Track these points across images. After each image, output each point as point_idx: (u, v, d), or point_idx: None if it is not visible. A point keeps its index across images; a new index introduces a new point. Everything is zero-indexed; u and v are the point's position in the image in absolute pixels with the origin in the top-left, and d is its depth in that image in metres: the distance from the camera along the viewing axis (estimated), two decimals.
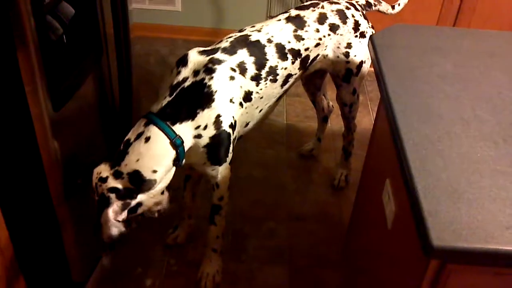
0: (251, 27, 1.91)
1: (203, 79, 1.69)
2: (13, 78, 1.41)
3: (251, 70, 1.79)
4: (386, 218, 1.42)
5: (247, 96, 1.80)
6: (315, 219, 2.39)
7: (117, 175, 1.60)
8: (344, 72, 2.12)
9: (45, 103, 1.47)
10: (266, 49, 1.83)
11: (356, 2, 2.16)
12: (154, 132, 1.62)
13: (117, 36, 1.83)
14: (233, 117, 1.74)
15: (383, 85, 1.47)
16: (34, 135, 1.50)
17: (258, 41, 1.83)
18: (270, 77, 1.85)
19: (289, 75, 1.92)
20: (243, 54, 1.79)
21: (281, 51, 1.86)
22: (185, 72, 1.71)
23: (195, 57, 1.73)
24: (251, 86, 1.80)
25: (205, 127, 1.68)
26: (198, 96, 1.68)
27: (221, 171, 1.83)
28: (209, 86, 1.68)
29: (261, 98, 1.86)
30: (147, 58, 3.39)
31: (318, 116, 2.64)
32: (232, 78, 1.73)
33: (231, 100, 1.73)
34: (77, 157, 1.74)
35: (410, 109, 1.37)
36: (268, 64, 1.83)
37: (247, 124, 1.89)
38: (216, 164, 1.79)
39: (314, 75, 2.23)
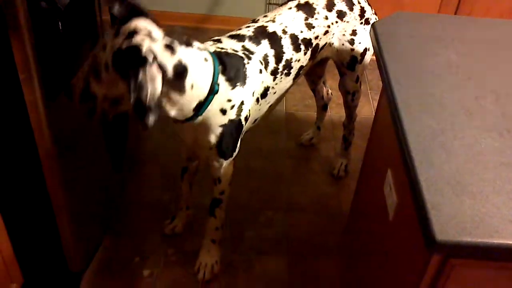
0: (264, 16, 1.86)
1: (243, 58, 1.66)
2: (7, 65, 1.38)
3: (272, 64, 1.76)
4: (388, 210, 1.40)
5: (265, 92, 1.77)
6: (313, 209, 2.37)
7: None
8: (349, 60, 2.09)
9: (40, 92, 1.44)
10: (283, 41, 1.79)
11: None
12: (208, 59, 1.55)
13: (114, 23, 1.79)
14: (249, 110, 1.71)
15: (385, 75, 1.44)
16: (29, 124, 1.48)
17: (275, 32, 1.79)
18: (285, 71, 1.81)
19: (301, 67, 1.89)
20: (266, 46, 1.75)
21: (295, 42, 1.82)
22: (223, 46, 1.68)
23: (228, 40, 1.72)
24: (269, 81, 1.77)
25: (232, 107, 1.64)
26: (240, 69, 1.64)
27: (225, 165, 1.80)
28: (246, 68, 1.66)
29: (275, 93, 1.83)
30: None
31: (318, 105, 2.61)
32: (260, 71, 1.71)
33: (253, 94, 1.70)
34: (73, 146, 1.71)
35: (412, 99, 1.34)
36: (285, 57, 1.79)
37: (255, 121, 1.85)
38: (222, 157, 1.76)
39: (316, 63, 2.20)
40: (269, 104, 1.85)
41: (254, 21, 1.86)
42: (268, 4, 3.38)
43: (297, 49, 1.83)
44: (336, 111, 2.85)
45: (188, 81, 1.50)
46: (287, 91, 1.94)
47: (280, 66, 1.79)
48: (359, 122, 2.48)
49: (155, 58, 1.35)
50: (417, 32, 1.64)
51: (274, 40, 1.78)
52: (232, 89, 1.63)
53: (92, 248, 2.05)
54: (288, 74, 1.84)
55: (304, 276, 2.09)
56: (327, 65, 2.40)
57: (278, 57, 1.78)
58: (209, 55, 1.58)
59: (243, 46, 1.70)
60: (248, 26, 1.81)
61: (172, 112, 1.55)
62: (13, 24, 1.32)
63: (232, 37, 1.75)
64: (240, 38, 1.74)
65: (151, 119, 1.35)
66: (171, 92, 1.48)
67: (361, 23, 2.03)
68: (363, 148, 1.94)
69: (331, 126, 2.82)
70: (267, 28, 1.79)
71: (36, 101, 1.44)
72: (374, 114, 1.84)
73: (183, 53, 1.47)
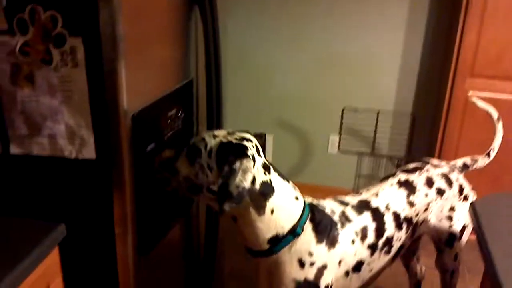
0: (366, 190, 1.85)
1: (337, 223, 1.62)
2: (105, 218, 1.44)
3: (370, 237, 1.69)
4: None
5: (358, 266, 1.67)
6: None
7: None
8: (447, 236, 1.99)
9: (132, 246, 1.47)
10: (385, 217, 1.74)
11: (454, 164, 2.10)
12: (300, 199, 1.57)
13: None
14: (332, 279, 1.61)
15: (489, 257, 1.34)
16: (116, 276, 1.49)
17: (378, 208, 1.75)
18: (385, 248, 1.74)
19: (401, 247, 1.82)
20: (367, 218, 1.70)
21: (397, 220, 1.77)
22: (322, 203, 1.67)
23: (330, 201, 1.71)
24: (364, 255, 1.68)
25: (312, 264, 1.56)
26: (332, 229, 1.59)
27: None
28: (338, 233, 1.60)
29: (371, 270, 1.74)
30: None
31: (410, 282, 2.45)
32: (353, 242, 1.64)
33: (339, 262, 1.62)
34: None
35: None
36: (386, 234, 1.73)
37: None
38: None
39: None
40: (362, 281, 1.74)
41: (357, 193, 1.85)
42: (357, 176, 3.41)
43: (399, 227, 1.77)
44: None
45: (270, 204, 1.48)
46: (383, 269, 1.84)
47: (380, 243, 1.71)
48: None
49: (254, 160, 1.43)
50: None
51: (377, 214, 1.73)
52: (317, 243, 1.56)
53: None
54: (387, 252, 1.75)
55: None
56: (421, 240, 2.30)
57: (379, 232, 1.71)
58: (301, 198, 1.58)
59: (342, 212, 1.67)
60: (353, 196, 1.79)
61: (246, 232, 1.52)
62: (117, 180, 1.40)
63: (335, 199, 1.73)
64: (342, 203, 1.72)
65: (228, 205, 1.39)
66: (250, 208, 1.47)
67: (460, 199, 1.97)
68: None
69: None
70: (370, 202, 1.76)
71: (127, 256, 1.47)
72: None
73: (276, 179, 1.51)
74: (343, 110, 3.23)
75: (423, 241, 2.27)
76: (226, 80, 1.91)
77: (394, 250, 1.78)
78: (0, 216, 1.39)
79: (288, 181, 1.57)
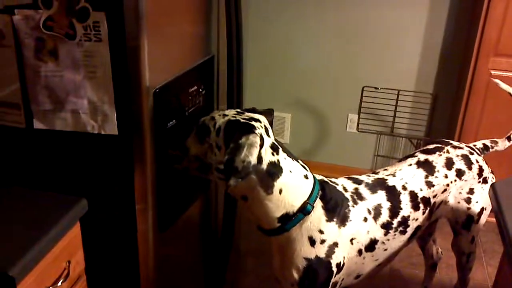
0: (384, 170, 1.84)
1: (348, 200, 1.62)
2: (127, 194, 1.46)
3: (384, 216, 1.68)
4: None
5: (371, 245, 1.67)
6: None
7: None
8: (464, 219, 1.98)
9: (152, 222, 1.48)
10: (401, 197, 1.73)
11: (474, 145, 2.08)
12: (310, 178, 1.57)
13: None
14: (344, 257, 1.60)
15: (508, 239, 1.33)
16: (136, 252, 1.51)
17: (394, 186, 1.74)
18: (401, 228, 1.72)
19: (418, 227, 1.80)
20: (381, 197, 1.70)
21: (415, 200, 1.76)
22: (335, 181, 1.68)
23: (344, 179, 1.71)
24: (378, 234, 1.67)
25: (322, 241, 1.55)
26: (342, 206, 1.59)
27: None
28: (349, 210, 1.60)
29: (385, 250, 1.73)
30: None
31: (426, 263, 2.44)
32: (365, 219, 1.64)
33: (351, 240, 1.62)
34: (172, 276, 1.71)
35: None
36: (401, 214, 1.71)
37: (358, 276, 1.73)
38: None
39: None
40: (377, 261, 1.74)
41: (374, 172, 1.84)
42: (376, 156, 3.39)
43: (415, 207, 1.76)
44: (446, 273, 2.64)
45: (278, 184, 1.48)
46: (399, 251, 1.83)
47: (395, 222, 1.70)
48: (471, 287, 2.27)
49: (262, 139, 1.43)
50: None
51: (393, 194, 1.72)
52: (327, 221, 1.56)
53: None
54: (403, 232, 1.74)
55: None
56: (437, 222, 2.29)
57: (394, 211, 1.70)
58: (312, 177, 1.57)
59: (355, 189, 1.67)
60: (369, 175, 1.79)
61: (256, 211, 1.52)
62: (139, 156, 1.41)
63: (349, 178, 1.73)
64: (356, 181, 1.72)
65: (234, 180, 1.38)
66: (258, 187, 1.47)
67: (479, 182, 1.95)
68: None
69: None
70: (387, 181, 1.75)
71: (147, 231, 1.49)
72: (488, 280, 1.67)
73: (284, 159, 1.50)
74: (363, 89, 3.20)
75: (440, 223, 2.26)
76: (246, 56, 1.90)
77: (410, 230, 1.77)
78: (23, 189, 1.41)
79: (298, 161, 1.56)
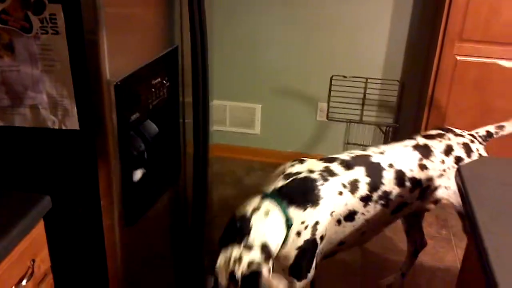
0: (376, 147, 1.92)
1: (316, 180, 1.70)
2: (91, 190, 1.43)
3: (363, 190, 1.76)
4: None
5: (350, 215, 1.75)
6: None
7: (249, 249, 1.56)
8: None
9: (118, 217, 1.46)
10: (384, 173, 1.81)
11: (476, 133, 2.11)
12: (273, 208, 1.62)
13: (196, 156, 1.85)
14: (325, 229, 1.70)
15: (474, 222, 1.34)
16: (103, 247, 1.48)
17: (378, 163, 1.82)
18: (382, 201, 1.80)
19: (404, 204, 1.86)
20: (359, 172, 1.78)
21: (401, 178, 1.83)
22: (300, 167, 1.74)
23: (313, 161, 1.78)
24: (357, 206, 1.76)
25: (306, 227, 1.65)
26: (309, 191, 1.68)
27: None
28: (319, 190, 1.69)
29: (367, 220, 1.80)
30: (222, 178, 3.42)
31: (409, 249, 2.45)
32: (340, 193, 1.72)
33: (331, 214, 1.70)
34: (141, 270, 1.69)
35: (505, 248, 1.22)
36: (383, 188, 1.79)
37: (341, 243, 1.81)
38: (294, 277, 1.69)
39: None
40: (359, 230, 1.81)
41: (364, 150, 1.91)
42: (346, 144, 3.41)
43: (401, 184, 1.82)
44: (425, 261, 2.67)
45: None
46: (387, 224, 1.91)
47: (375, 195, 1.78)
48: (443, 270, 2.30)
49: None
50: (509, 179, 1.55)
51: (374, 170, 1.80)
52: (304, 211, 1.65)
53: None
54: (385, 206, 1.81)
55: None
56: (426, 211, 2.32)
57: (374, 186, 1.78)
58: (274, 213, 1.61)
59: (325, 167, 1.75)
60: (351, 153, 1.86)
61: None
62: (102, 153, 1.38)
63: (322, 159, 1.80)
64: (330, 160, 1.79)
65: None
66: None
67: None
68: None
69: (415, 275, 2.62)
70: (370, 158, 1.83)
71: (113, 227, 1.46)
72: (458, 263, 1.70)
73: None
74: (331, 78, 3.21)
75: (427, 214, 2.28)
76: (213, 47, 1.88)
77: (393, 204, 1.83)
78: None
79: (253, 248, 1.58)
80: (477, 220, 1.33)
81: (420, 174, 1.86)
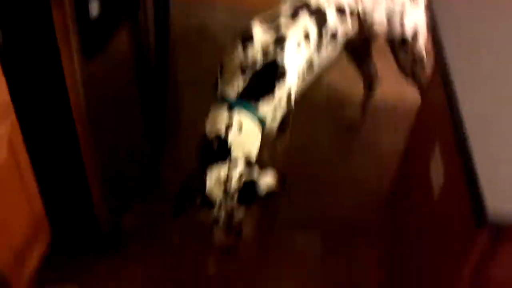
0: None
1: (275, 60, 1.70)
2: (45, 22, 1.35)
3: (313, 38, 1.79)
4: (433, 187, 1.32)
5: (310, 67, 1.83)
6: (351, 186, 2.30)
7: (234, 166, 1.62)
8: (400, 41, 2.05)
9: (76, 50, 1.40)
10: (327, 12, 1.82)
11: None
12: (245, 118, 1.66)
13: None
14: (296, 90, 1.80)
15: (441, 52, 1.33)
16: (63, 82, 1.45)
17: (317, 4, 1.82)
18: (332, 43, 1.86)
19: (347, 35, 1.91)
20: (305, 21, 1.78)
21: (341, 13, 1.85)
22: (253, 52, 1.70)
23: (260, 36, 1.73)
24: (314, 55, 1.82)
25: (280, 99, 1.73)
26: (272, 77, 1.70)
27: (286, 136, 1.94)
28: (282, 66, 1.70)
29: (321, 62, 1.89)
30: (185, 19, 3.29)
31: (364, 83, 2.49)
32: (299, 51, 1.75)
33: (298, 74, 1.77)
34: (107, 108, 1.68)
35: (467, 68, 1.25)
36: (329, 29, 1.83)
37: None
38: (281, 131, 1.88)
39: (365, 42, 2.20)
40: (315, 72, 1.90)
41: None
42: None
43: (342, 20, 1.85)
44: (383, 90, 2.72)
45: None
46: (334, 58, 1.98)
47: (324, 40, 1.83)
48: (406, 101, 2.37)
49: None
50: (478, 8, 1.52)
51: (317, 13, 1.81)
52: (273, 96, 1.71)
53: (125, 210, 2.04)
54: (334, 45, 1.88)
55: (338, 255, 2.03)
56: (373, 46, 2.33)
57: (321, 30, 1.81)
58: (247, 124, 1.66)
59: (276, 39, 1.72)
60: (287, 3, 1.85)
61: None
62: None
63: (265, 29, 1.76)
64: (273, 26, 1.76)
65: None
66: None
67: (410, 5, 1.98)
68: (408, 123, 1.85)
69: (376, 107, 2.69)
70: (309, 6, 1.82)
71: (72, 60, 1.41)
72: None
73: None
74: None
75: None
76: None
77: (341, 38, 1.89)
78: None
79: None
80: (445, 51, 1.33)
81: (355, 7, 1.88)
